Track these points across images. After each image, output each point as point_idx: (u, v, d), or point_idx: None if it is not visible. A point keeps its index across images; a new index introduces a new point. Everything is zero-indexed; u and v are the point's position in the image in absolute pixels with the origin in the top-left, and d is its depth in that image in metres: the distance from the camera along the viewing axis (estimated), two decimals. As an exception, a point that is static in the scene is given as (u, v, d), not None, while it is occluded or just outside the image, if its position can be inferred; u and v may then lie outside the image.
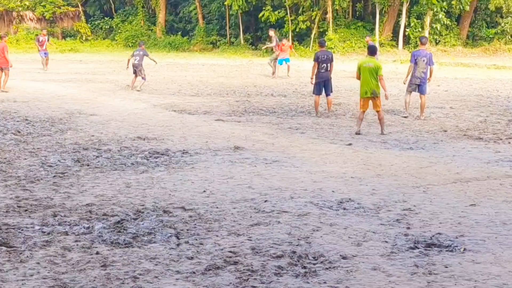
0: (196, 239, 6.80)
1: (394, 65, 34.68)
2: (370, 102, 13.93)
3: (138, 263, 6.07)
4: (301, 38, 46.00)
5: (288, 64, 28.84)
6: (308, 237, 6.89)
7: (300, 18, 45.64)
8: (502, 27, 43.84)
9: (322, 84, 16.77)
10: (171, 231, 7.05)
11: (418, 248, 6.55)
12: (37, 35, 36.90)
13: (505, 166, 10.73)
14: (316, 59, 16.66)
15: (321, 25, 45.91)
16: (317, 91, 16.82)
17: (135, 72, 22.68)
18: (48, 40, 32.53)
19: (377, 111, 14.00)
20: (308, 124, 15.29)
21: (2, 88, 21.06)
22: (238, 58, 40.94)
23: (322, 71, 16.68)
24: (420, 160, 11.17)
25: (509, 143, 12.90)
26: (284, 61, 28.62)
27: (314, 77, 16.74)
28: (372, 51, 14.14)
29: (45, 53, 31.27)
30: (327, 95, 16.99)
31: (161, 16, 53.64)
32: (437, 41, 44.26)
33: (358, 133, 13.82)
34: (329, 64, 16.76)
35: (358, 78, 14.04)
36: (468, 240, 6.82)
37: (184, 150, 11.71)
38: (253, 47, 47.78)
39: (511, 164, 10.87)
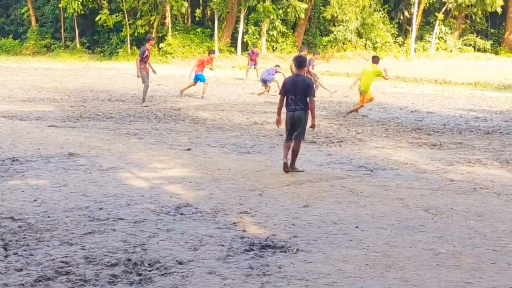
0: (26, 250, 6.47)
1: (232, 71, 35.25)
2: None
3: (-40, 279, 5.67)
4: (139, 42, 45.60)
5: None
6: (144, 244, 6.77)
7: (139, 22, 45.28)
8: (335, 35, 45.87)
9: None
10: (-2, 243, 6.66)
11: (253, 250, 6.63)
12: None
13: (336, 168, 11.18)
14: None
15: (160, 29, 45.83)
16: None
17: None
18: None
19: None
20: (147, 129, 15.12)
21: None
22: (74, 62, 39.86)
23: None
24: (257, 163, 11.38)
25: (340, 146, 13.47)
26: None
27: None
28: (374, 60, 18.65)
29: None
30: None
31: (-9, 18, 51.15)
32: (274, 48, 45.51)
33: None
34: None
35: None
36: (301, 241, 7.00)
37: (14, 157, 11.15)
38: (90, 51, 46.73)
39: (341, 166, 11.35)
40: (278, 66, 25.35)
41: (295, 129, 10.67)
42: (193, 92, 23.12)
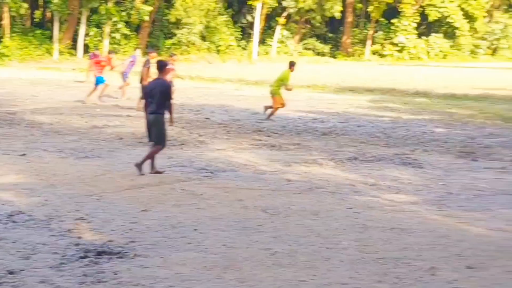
0: None
1: (73, 73, 34.27)
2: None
3: None
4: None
5: None
6: (-28, 255, 6.41)
7: (-27, 22, 42.98)
8: (179, 38, 45.91)
9: None
10: None
11: (89, 257, 6.45)
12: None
13: (177, 171, 11.14)
14: None
15: (-4, 31, 43.76)
16: None
17: None
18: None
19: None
20: (-22, 134, 14.33)
21: None
22: None
23: None
24: (95, 168, 11.10)
25: (182, 148, 13.42)
26: None
27: None
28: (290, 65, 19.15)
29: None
30: None
31: None
32: (116, 51, 44.81)
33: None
34: None
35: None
36: (138, 246, 6.89)
37: None
38: None
39: (182, 168, 11.32)
40: (138, 48, 24.67)
41: (151, 132, 10.80)
42: (29, 94, 22.19)
